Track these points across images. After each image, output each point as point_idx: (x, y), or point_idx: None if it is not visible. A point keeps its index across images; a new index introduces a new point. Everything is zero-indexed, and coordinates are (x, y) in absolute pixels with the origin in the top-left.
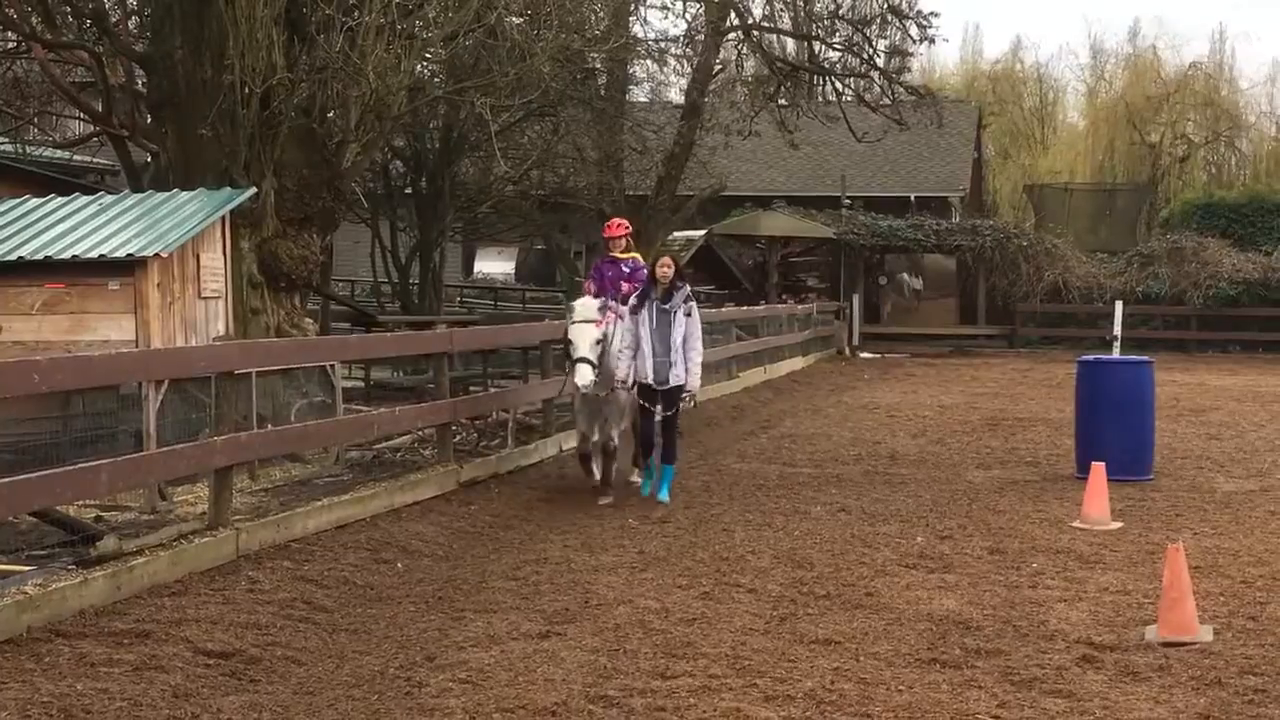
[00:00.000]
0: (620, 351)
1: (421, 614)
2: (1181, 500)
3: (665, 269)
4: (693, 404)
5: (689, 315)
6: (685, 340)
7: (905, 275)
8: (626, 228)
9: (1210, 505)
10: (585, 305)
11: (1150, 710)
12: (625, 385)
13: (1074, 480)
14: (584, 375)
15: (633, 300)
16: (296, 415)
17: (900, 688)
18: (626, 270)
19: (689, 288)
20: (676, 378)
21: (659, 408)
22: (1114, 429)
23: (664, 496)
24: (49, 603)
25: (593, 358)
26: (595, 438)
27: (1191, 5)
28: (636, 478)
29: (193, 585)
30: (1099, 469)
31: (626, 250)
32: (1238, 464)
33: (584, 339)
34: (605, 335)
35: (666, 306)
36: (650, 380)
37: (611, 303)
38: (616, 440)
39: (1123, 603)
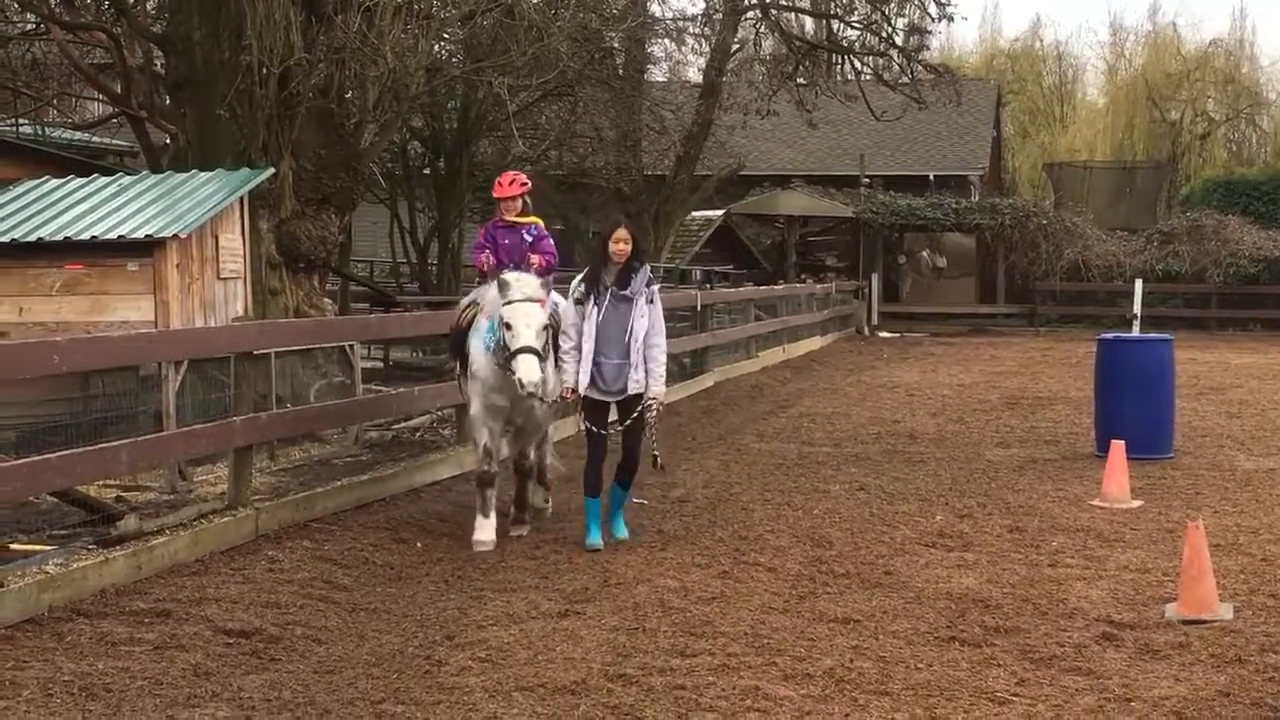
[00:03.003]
0: (566, 354)
1: (441, 593)
2: (1201, 478)
3: (622, 245)
4: (656, 415)
5: (651, 302)
6: (647, 335)
7: (925, 253)
8: (524, 184)
9: (1231, 483)
10: (523, 280)
11: (1170, 688)
12: (558, 397)
13: (1094, 458)
14: (531, 370)
15: (578, 286)
16: (316, 396)
17: (919, 666)
18: (529, 238)
19: (648, 267)
20: (636, 384)
21: (611, 423)
22: (1134, 407)
23: (620, 532)
24: (70, 582)
25: (539, 347)
26: (503, 455)
27: None
28: (545, 502)
29: (213, 565)
30: (1119, 447)
31: (524, 213)
32: (1258, 442)
33: (527, 323)
34: (552, 320)
35: (626, 293)
36: (602, 390)
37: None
38: (533, 455)
39: (1143, 581)
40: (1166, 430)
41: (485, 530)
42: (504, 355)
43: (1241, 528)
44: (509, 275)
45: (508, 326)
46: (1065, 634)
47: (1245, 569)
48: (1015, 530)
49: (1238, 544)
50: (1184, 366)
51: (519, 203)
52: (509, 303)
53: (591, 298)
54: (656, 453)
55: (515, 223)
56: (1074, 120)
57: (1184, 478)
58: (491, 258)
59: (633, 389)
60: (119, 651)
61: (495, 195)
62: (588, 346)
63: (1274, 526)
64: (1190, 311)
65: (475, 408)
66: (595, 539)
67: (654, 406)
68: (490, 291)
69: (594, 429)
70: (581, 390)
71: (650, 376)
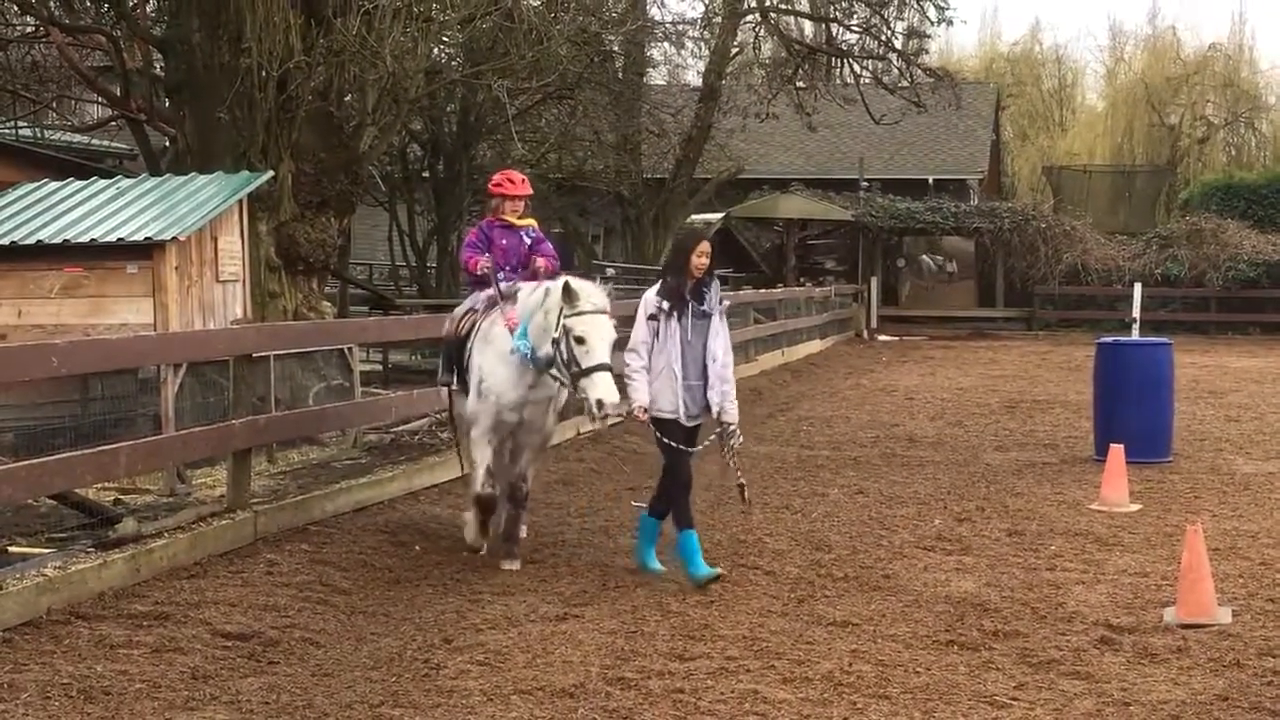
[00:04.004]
0: (636, 372)
1: (439, 596)
2: (1200, 482)
3: (705, 259)
4: (738, 441)
5: (722, 319)
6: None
7: (926, 256)
8: (529, 186)
9: (1229, 487)
10: (591, 289)
11: (1168, 692)
12: (626, 415)
13: (1092, 462)
14: (610, 389)
15: (660, 302)
16: (314, 398)
17: (918, 669)
18: (528, 241)
19: (718, 281)
20: (715, 408)
21: (676, 445)
22: (1132, 411)
23: (654, 564)
24: (68, 585)
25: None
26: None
27: None
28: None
29: (211, 568)
30: (1117, 451)
31: (524, 215)
32: (1257, 446)
33: (601, 336)
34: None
35: (705, 308)
36: (686, 414)
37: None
38: (529, 483)
39: (1141, 584)
40: (1165, 434)
41: (474, 533)
42: (572, 372)
43: (1240, 532)
44: (575, 283)
45: (579, 340)
46: (1064, 638)
47: (1244, 573)
48: (1014, 534)
49: (1236, 548)
50: (1183, 370)
51: (522, 204)
52: (579, 314)
53: (675, 315)
54: (743, 481)
55: (515, 224)
56: (1073, 124)
57: (1183, 482)
58: (489, 259)
59: (705, 415)
60: (117, 654)
61: (504, 193)
62: (676, 368)
63: (1272, 530)
64: (1189, 315)
65: (482, 425)
66: (704, 569)
67: (737, 433)
68: (530, 297)
69: (673, 444)
70: (651, 412)
71: (726, 399)
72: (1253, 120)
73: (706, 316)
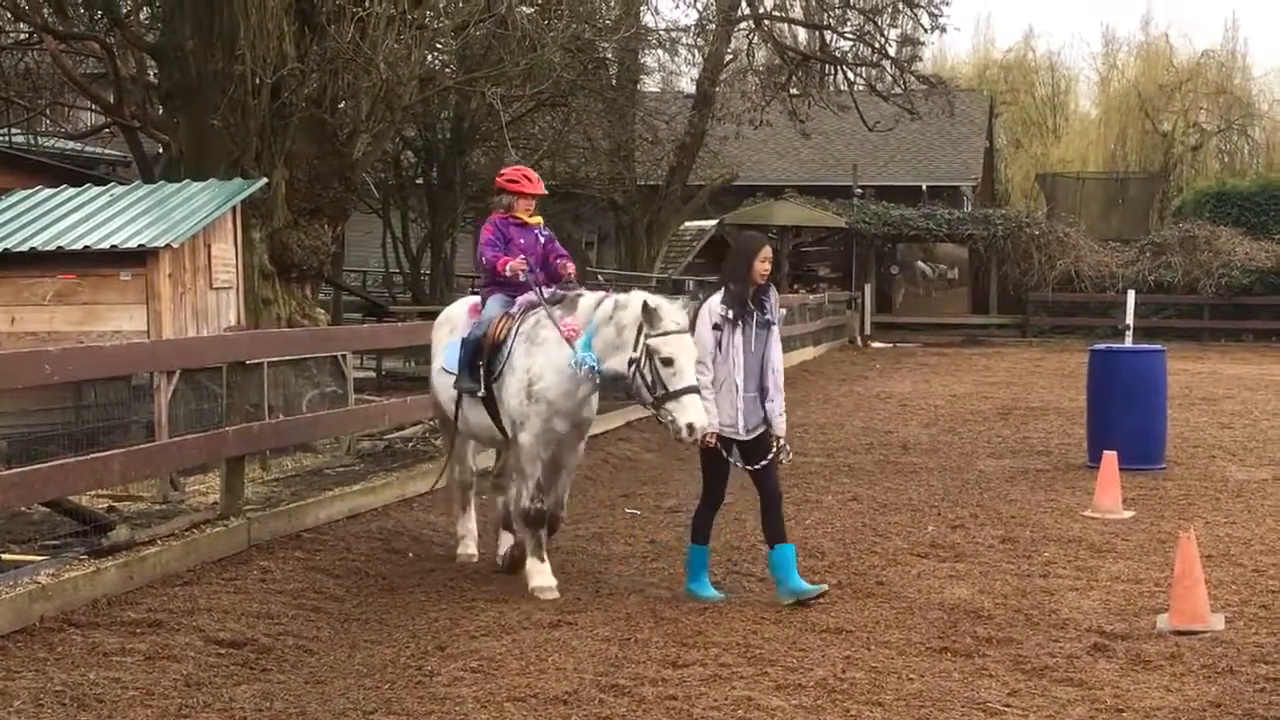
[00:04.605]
0: (706, 388)
1: (433, 603)
2: (1193, 489)
3: (769, 265)
4: (790, 456)
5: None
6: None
7: (921, 263)
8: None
9: (1222, 494)
10: (667, 307)
11: (1162, 699)
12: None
13: (1086, 469)
14: (701, 413)
15: (725, 311)
16: (308, 405)
17: (911, 676)
18: (542, 240)
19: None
20: (772, 420)
21: (737, 462)
22: (1126, 418)
23: (799, 585)
24: (61, 592)
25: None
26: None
27: None
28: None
29: (205, 575)
30: (1111, 458)
31: (534, 213)
32: (1250, 452)
33: (689, 357)
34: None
35: (768, 316)
36: (745, 427)
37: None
38: (565, 509)
39: (1134, 591)
40: (1158, 441)
41: (545, 574)
42: (657, 395)
43: (1233, 538)
44: (655, 300)
45: (667, 362)
46: (1057, 644)
47: (1237, 580)
48: (1007, 541)
49: (1229, 555)
50: (1176, 377)
51: (533, 202)
52: (664, 334)
53: (739, 324)
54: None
55: (528, 222)
56: (1067, 131)
57: (1176, 488)
58: (495, 254)
59: (762, 427)
60: (110, 662)
61: (519, 190)
62: (739, 378)
63: (1265, 537)
64: (1182, 322)
65: (532, 429)
66: (711, 591)
67: (788, 448)
68: (598, 308)
69: (746, 468)
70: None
71: (775, 413)
72: (1245, 127)
73: (768, 325)
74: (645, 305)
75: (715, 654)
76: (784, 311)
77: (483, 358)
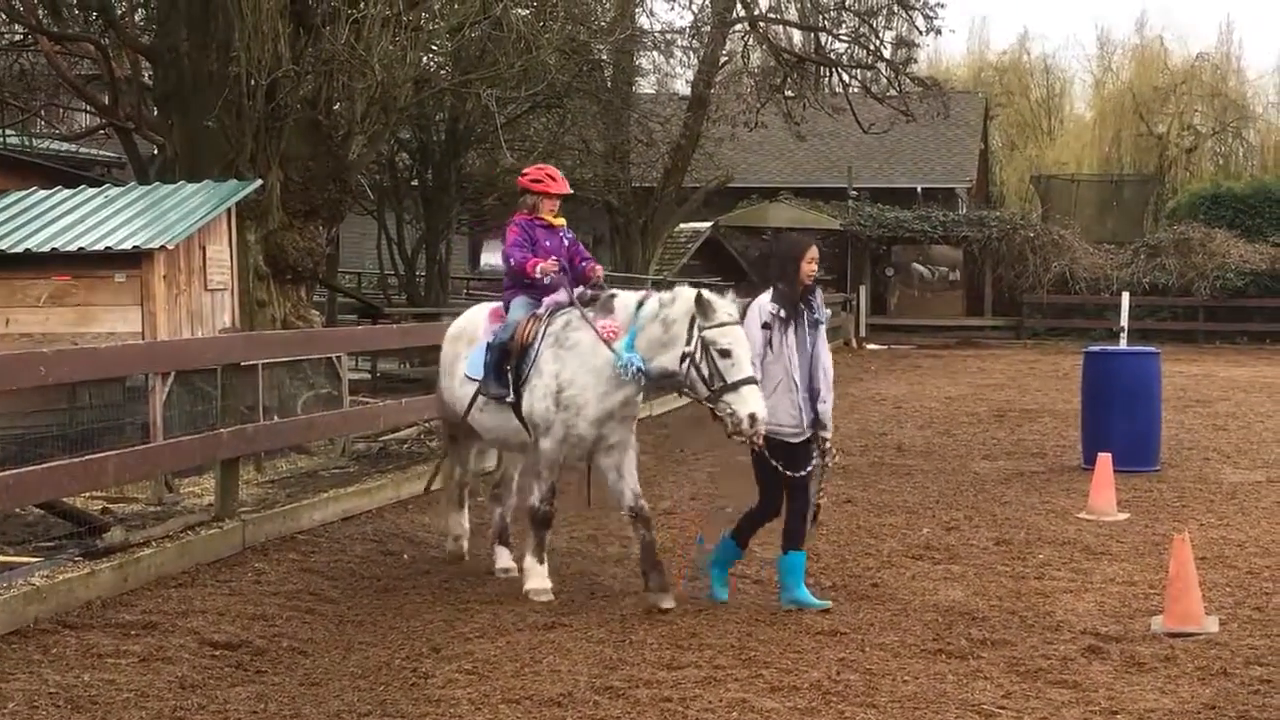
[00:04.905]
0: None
1: (428, 605)
2: (1188, 491)
3: (813, 265)
4: (836, 459)
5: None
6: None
7: (919, 265)
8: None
9: (1216, 496)
10: (719, 300)
11: (1156, 701)
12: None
13: (1080, 471)
14: (761, 405)
15: (777, 310)
16: (303, 407)
17: (906, 678)
18: (566, 242)
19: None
20: (819, 423)
21: (779, 467)
22: (1120, 420)
23: (804, 596)
24: (56, 594)
25: None
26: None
27: None
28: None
29: (199, 577)
30: (1105, 460)
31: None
32: (1244, 455)
33: (745, 349)
34: None
35: (816, 316)
36: (796, 431)
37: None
38: (641, 498)
39: (1128, 593)
40: (1153, 443)
41: (541, 576)
42: (715, 388)
43: (1227, 540)
44: (709, 294)
45: (724, 354)
46: (1051, 646)
47: (1231, 582)
48: (1002, 543)
49: (1224, 557)
50: (1170, 379)
51: (559, 202)
52: (720, 325)
53: (790, 324)
54: (821, 502)
55: (554, 224)
56: (1061, 133)
57: (1170, 490)
58: (524, 254)
59: (810, 430)
60: (105, 664)
61: (545, 190)
62: (797, 377)
63: (1259, 539)
64: (1177, 324)
65: (555, 436)
66: (721, 591)
67: (834, 451)
68: (645, 308)
69: (791, 475)
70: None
71: (827, 414)
72: (1240, 130)
73: (817, 325)
74: (699, 297)
75: (710, 656)
76: (829, 312)
77: (510, 362)
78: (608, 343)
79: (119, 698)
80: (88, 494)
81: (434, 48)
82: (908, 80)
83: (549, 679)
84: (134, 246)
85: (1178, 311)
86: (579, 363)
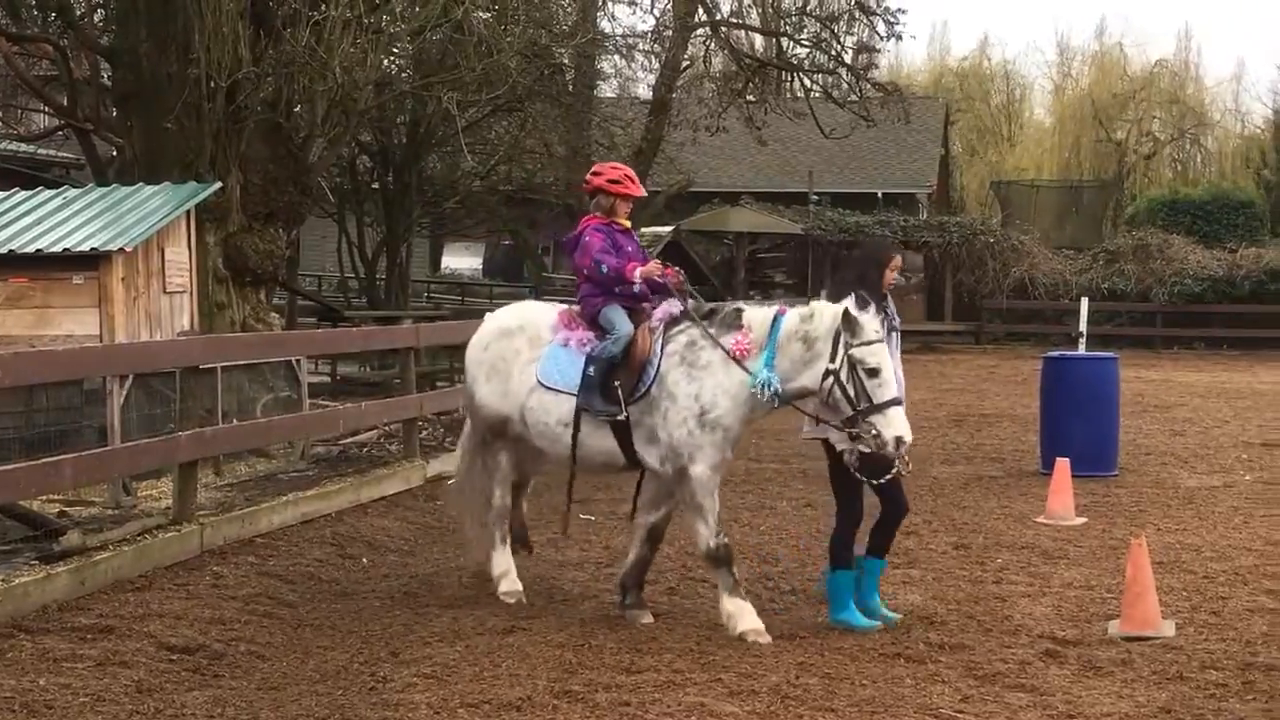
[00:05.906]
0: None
1: (386, 609)
2: (1145, 496)
3: (895, 273)
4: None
5: None
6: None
7: None
8: None
9: (1174, 501)
10: (865, 316)
11: (1112, 705)
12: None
13: (1039, 476)
14: (908, 427)
15: (881, 319)
16: (262, 410)
17: (864, 682)
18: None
19: None
20: None
21: (860, 475)
22: (1079, 425)
23: (876, 605)
24: (11, 598)
25: None
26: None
27: (1158, 3)
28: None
29: (157, 580)
30: (1063, 465)
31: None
32: (1201, 460)
33: (890, 367)
34: None
35: (894, 323)
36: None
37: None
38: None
39: (1086, 598)
40: (1111, 448)
41: (751, 616)
42: (860, 409)
43: (1184, 545)
44: (856, 310)
45: (872, 373)
46: (1009, 650)
47: (1187, 586)
48: (960, 547)
49: (1180, 561)
50: (1129, 384)
51: (632, 205)
52: (867, 343)
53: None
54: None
55: (629, 228)
56: (1021, 139)
57: (1128, 495)
58: (613, 260)
59: None
60: (61, 668)
61: (624, 192)
62: (899, 382)
63: (1216, 544)
64: (1135, 330)
65: (709, 460)
66: (861, 620)
67: (906, 457)
68: (785, 323)
69: (875, 484)
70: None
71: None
72: (1198, 136)
73: (894, 332)
74: (847, 314)
75: (669, 660)
76: (899, 320)
77: (619, 377)
78: (739, 361)
79: (75, 702)
80: (44, 497)
81: (395, 51)
82: (869, 85)
83: (508, 683)
84: (92, 248)
85: (1136, 317)
86: (715, 383)
